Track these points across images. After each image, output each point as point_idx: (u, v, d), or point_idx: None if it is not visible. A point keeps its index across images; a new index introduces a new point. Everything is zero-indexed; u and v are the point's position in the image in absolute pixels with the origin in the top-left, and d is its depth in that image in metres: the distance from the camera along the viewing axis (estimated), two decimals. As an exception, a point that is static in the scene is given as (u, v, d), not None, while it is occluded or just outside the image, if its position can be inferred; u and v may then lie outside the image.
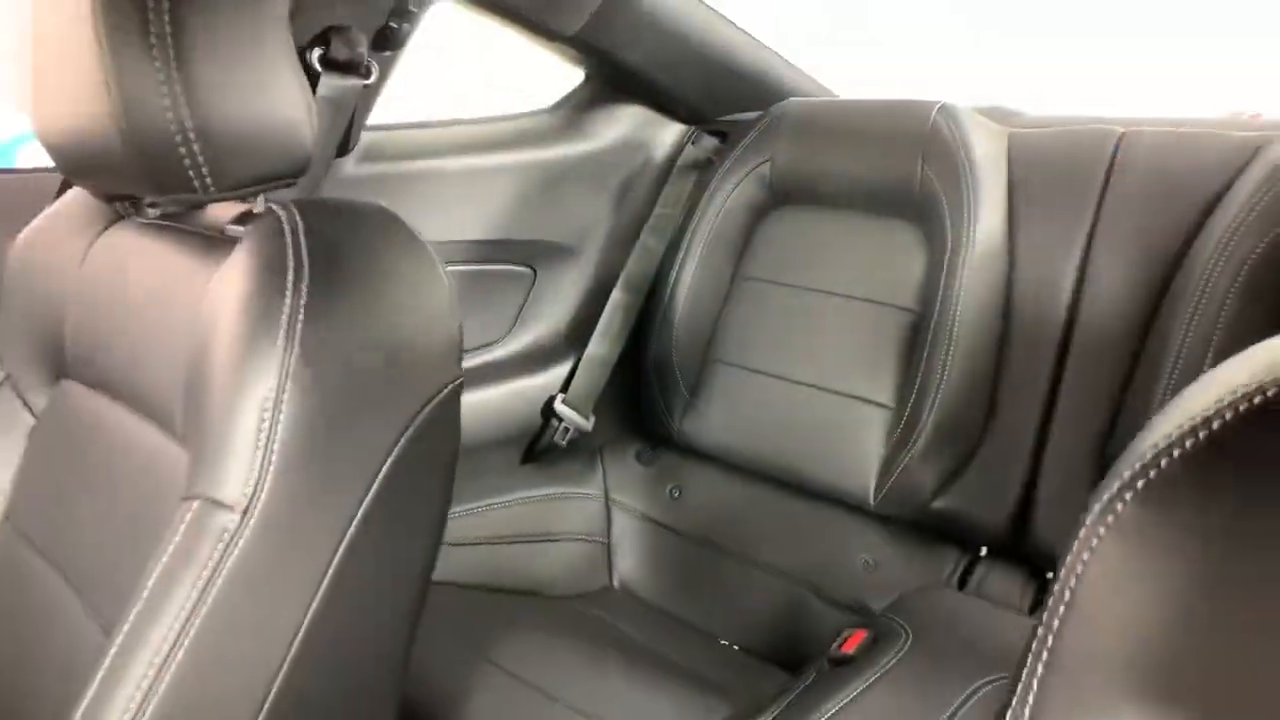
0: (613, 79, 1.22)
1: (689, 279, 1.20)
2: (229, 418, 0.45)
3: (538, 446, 1.27)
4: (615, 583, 1.22)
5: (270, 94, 0.52)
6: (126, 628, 0.46)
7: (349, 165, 1.04)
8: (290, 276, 0.48)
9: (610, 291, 1.27)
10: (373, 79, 0.91)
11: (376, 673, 0.57)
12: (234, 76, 0.50)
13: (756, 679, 0.99)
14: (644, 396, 1.25)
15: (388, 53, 1.00)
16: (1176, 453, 0.23)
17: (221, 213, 0.63)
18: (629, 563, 1.23)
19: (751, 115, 1.22)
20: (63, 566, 0.59)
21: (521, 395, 1.24)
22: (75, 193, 0.72)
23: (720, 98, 1.26)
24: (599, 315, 1.27)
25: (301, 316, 0.47)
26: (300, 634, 0.48)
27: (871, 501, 1.03)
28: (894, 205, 1.07)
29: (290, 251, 0.49)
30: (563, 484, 1.25)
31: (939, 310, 0.99)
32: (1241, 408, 0.22)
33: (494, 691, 0.86)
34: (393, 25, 0.98)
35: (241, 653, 0.47)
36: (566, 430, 1.25)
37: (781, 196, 1.17)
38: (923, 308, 1.03)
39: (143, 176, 0.52)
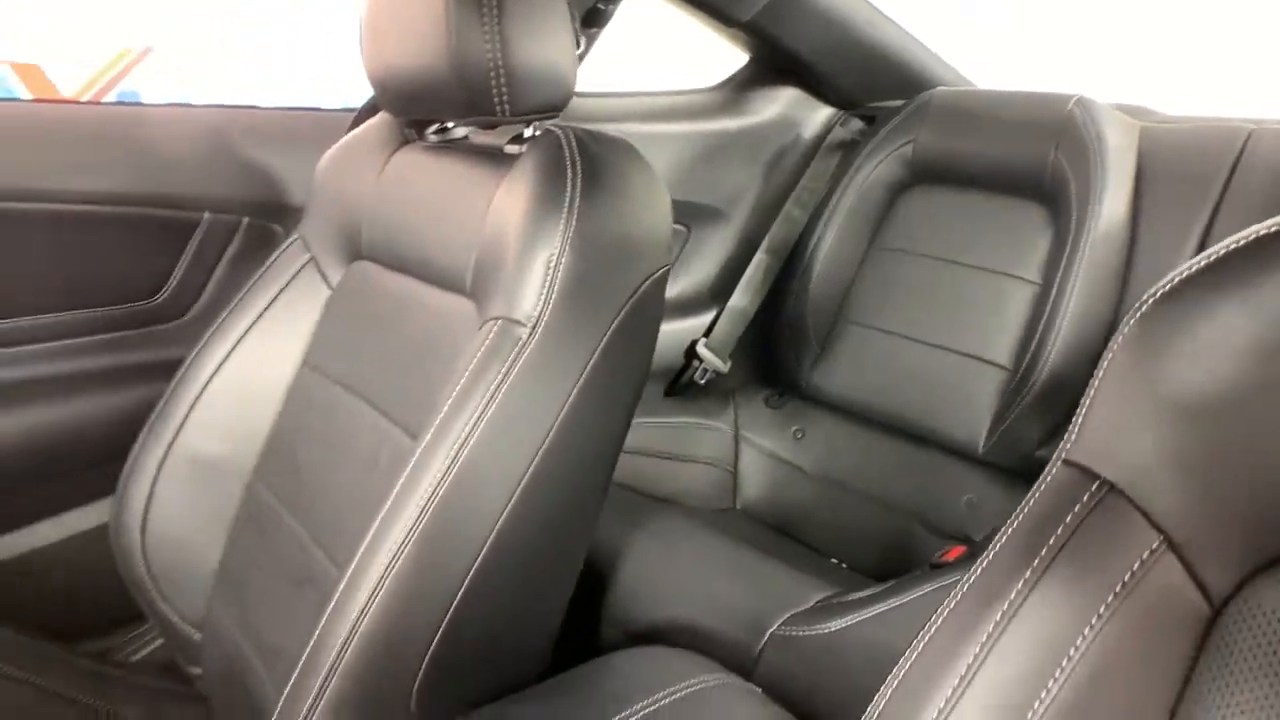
0: (774, 63, 1.38)
1: (827, 246, 1.35)
2: (523, 268, 0.64)
3: (680, 382, 1.45)
4: (739, 505, 1.39)
5: (554, 41, 0.70)
6: (430, 432, 0.64)
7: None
8: (569, 176, 0.66)
9: (754, 252, 1.44)
10: (580, 50, 1.10)
11: (580, 515, 0.74)
12: (531, 26, 0.69)
13: (859, 586, 1.13)
14: (776, 348, 1.41)
15: (594, 29, 1.19)
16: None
17: (490, 138, 0.83)
18: (752, 490, 1.39)
19: (898, 102, 1.35)
20: (360, 390, 0.80)
21: (670, 336, 1.42)
22: (368, 125, 0.94)
23: (870, 85, 1.40)
24: (742, 272, 1.44)
25: (577, 204, 0.65)
26: (541, 449, 0.66)
27: (980, 449, 1.15)
28: (1025, 187, 1.18)
29: (569, 161, 0.67)
30: (698, 416, 1.42)
31: (1059, 283, 1.10)
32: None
33: (639, 560, 1.03)
34: (600, 6, 1.17)
35: (502, 461, 0.65)
36: (706, 371, 1.42)
37: (920, 176, 1.30)
38: (1044, 281, 1.15)
39: (459, 102, 0.71)
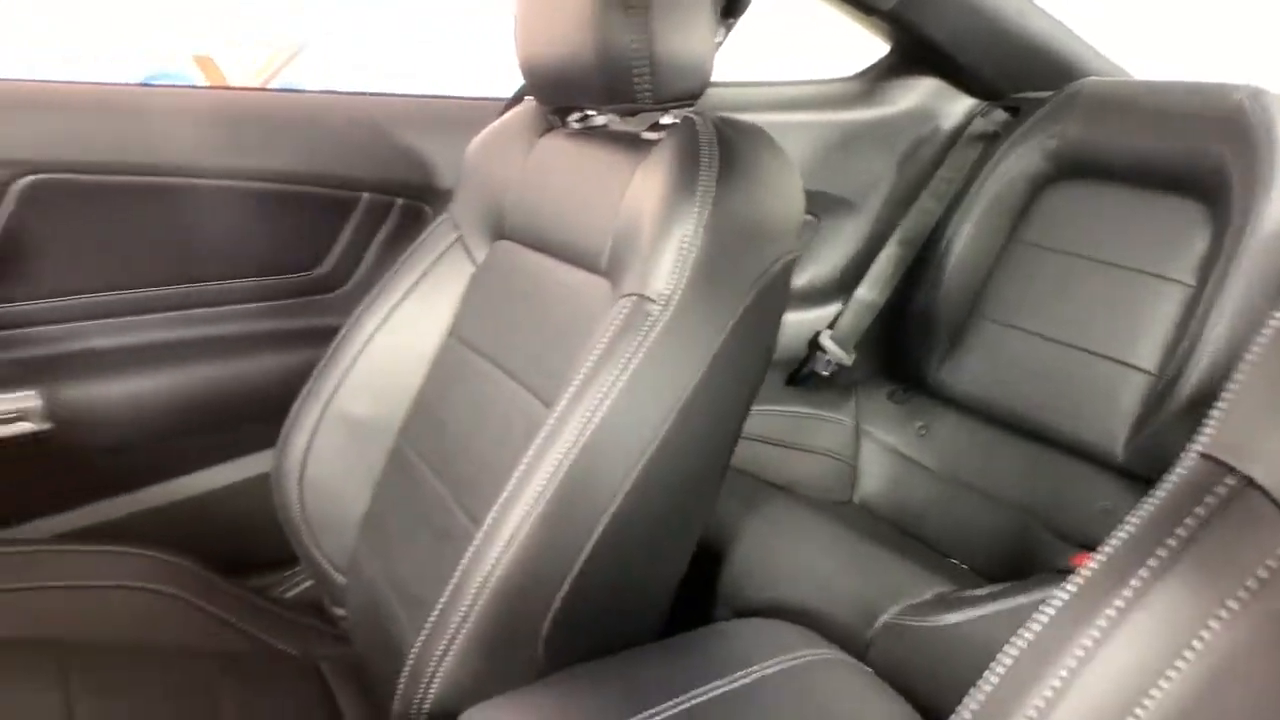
0: (915, 53, 1.36)
1: (963, 240, 1.32)
2: (658, 247, 0.67)
3: (801, 372, 1.45)
4: (856, 498, 1.38)
5: (696, 31, 0.73)
6: (564, 401, 0.68)
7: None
8: (705, 161, 0.69)
9: (883, 244, 1.42)
10: (718, 39, 1.12)
11: (699, 490, 0.77)
12: (675, 17, 0.72)
13: (979, 586, 1.11)
14: (903, 342, 1.39)
15: (731, 20, 1.21)
16: None
17: (629, 126, 0.87)
18: (871, 484, 1.38)
19: (1044, 93, 1.30)
20: (499, 360, 0.86)
21: (793, 326, 1.43)
22: (515, 112, 0.99)
23: (1016, 75, 1.35)
24: (870, 264, 1.42)
25: (712, 187, 0.68)
26: (668, 422, 0.68)
27: (1119, 455, 1.10)
28: (1181, 183, 1.12)
29: (705, 146, 0.70)
30: (819, 407, 1.42)
31: (1216, 285, 1.04)
32: None
33: (753, 541, 1.05)
34: (738, -4, 1.19)
35: (630, 431, 0.68)
36: (829, 362, 1.42)
37: (1065, 169, 1.25)
38: (1198, 282, 1.09)
39: (601, 89, 0.75)
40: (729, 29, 1.23)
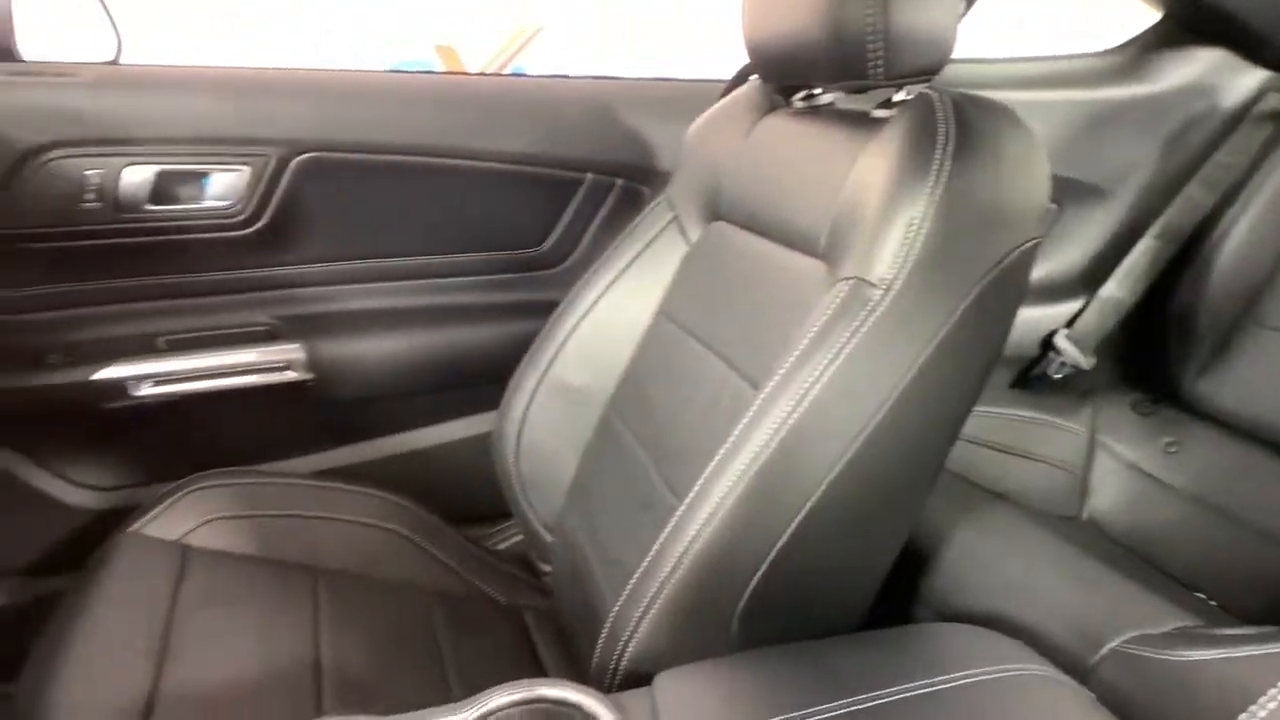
0: (1194, 20, 1.20)
1: (1240, 235, 1.16)
2: (882, 230, 0.64)
3: (1030, 373, 1.34)
4: (1085, 514, 1.26)
5: (935, 3, 0.69)
6: (775, 380, 0.67)
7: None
8: (940, 139, 0.65)
9: (1136, 237, 1.27)
10: (959, 11, 1.05)
11: (909, 485, 0.73)
12: None
13: (1228, 625, 0.98)
14: (1156, 348, 1.24)
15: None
16: None
17: (857, 104, 0.83)
18: (1105, 501, 1.25)
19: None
20: (708, 340, 0.86)
21: (1025, 323, 1.32)
22: (738, 93, 0.99)
23: (1322, 43, 1.16)
24: (1119, 258, 1.28)
25: (947, 166, 0.63)
26: (880, 413, 0.65)
27: None
28: None
29: (941, 124, 0.66)
30: (1047, 413, 1.31)
31: None
32: None
33: (965, 547, 0.99)
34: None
35: (839, 418, 0.66)
36: (1063, 365, 1.30)
37: None
38: None
39: (831, 66, 0.73)
40: (970, 2, 1.16)
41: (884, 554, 0.74)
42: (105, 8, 1.16)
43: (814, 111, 0.87)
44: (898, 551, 0.75)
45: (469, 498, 1.21)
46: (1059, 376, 1.31)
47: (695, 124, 1.02)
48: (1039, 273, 1.33)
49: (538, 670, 0.93)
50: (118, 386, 1.13)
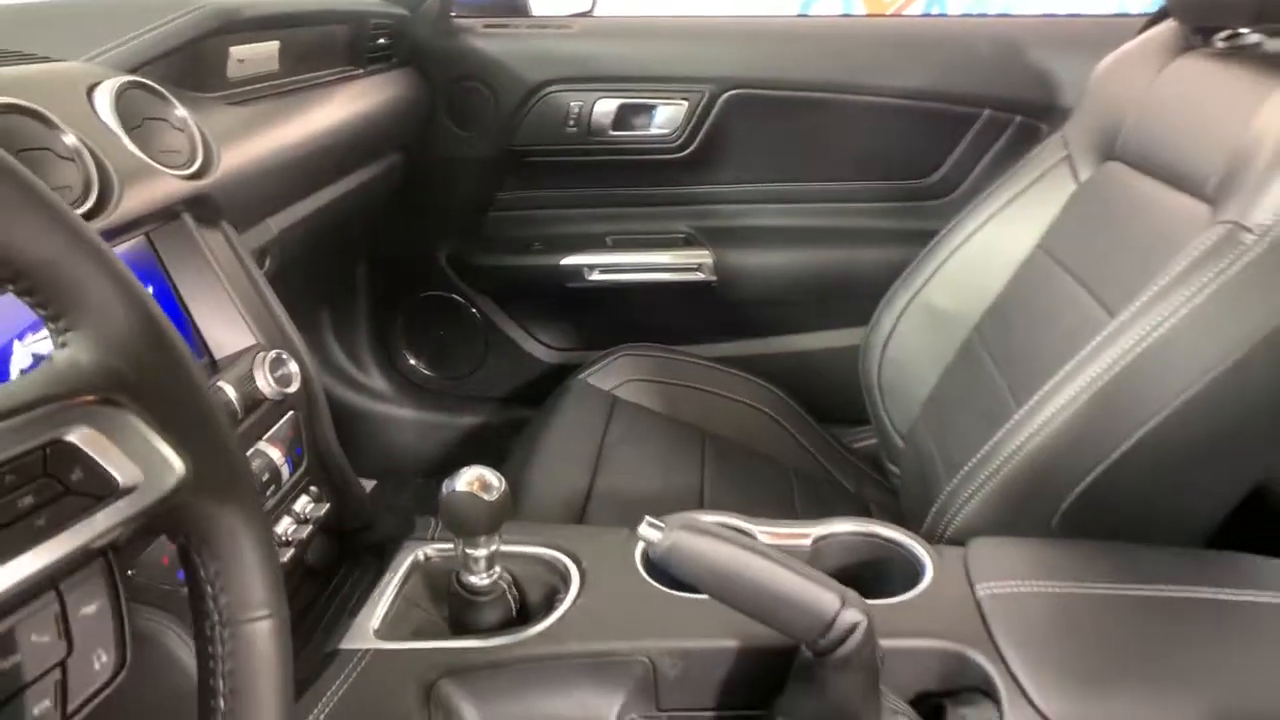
0: None
1: None
2: (1270, 176, 0.65)
3: None
4: None
5: None
6: (1131, 309, 0.72)
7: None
8: None
9: None
10: None
11: (1250, 436, 0.72)
12: None
13: None
14: None
15: None
16: None
17: (1283, 46, 0.80)
18: None
19: None
20: (1078, 273, 0.90)
21: None
22: (1152, 32, 0.97)
23: None
24: None
25: None
26: (1231, 358, 0.66)
27: None
28: None
29: None
30: None
31: None
32: None
33: None
34: None
35: (1185, 354, 0.68)
36: None
37: None
38: None
39: (1254, 4, 0.73)
40: None
41: (1218, 497, 0.76)
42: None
43: (1234, 53, 0.85)
44: (1234, 501, 0.76)
45: (834, 399, 1.37)
46: None
47: (1104, 62, 1.03)
48: None
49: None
50: (576, 271, 1.47)
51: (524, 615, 0.70)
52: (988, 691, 0.59)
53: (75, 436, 0.32)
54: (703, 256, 1.46)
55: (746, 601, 0.52)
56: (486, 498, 0.62)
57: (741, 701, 0.62)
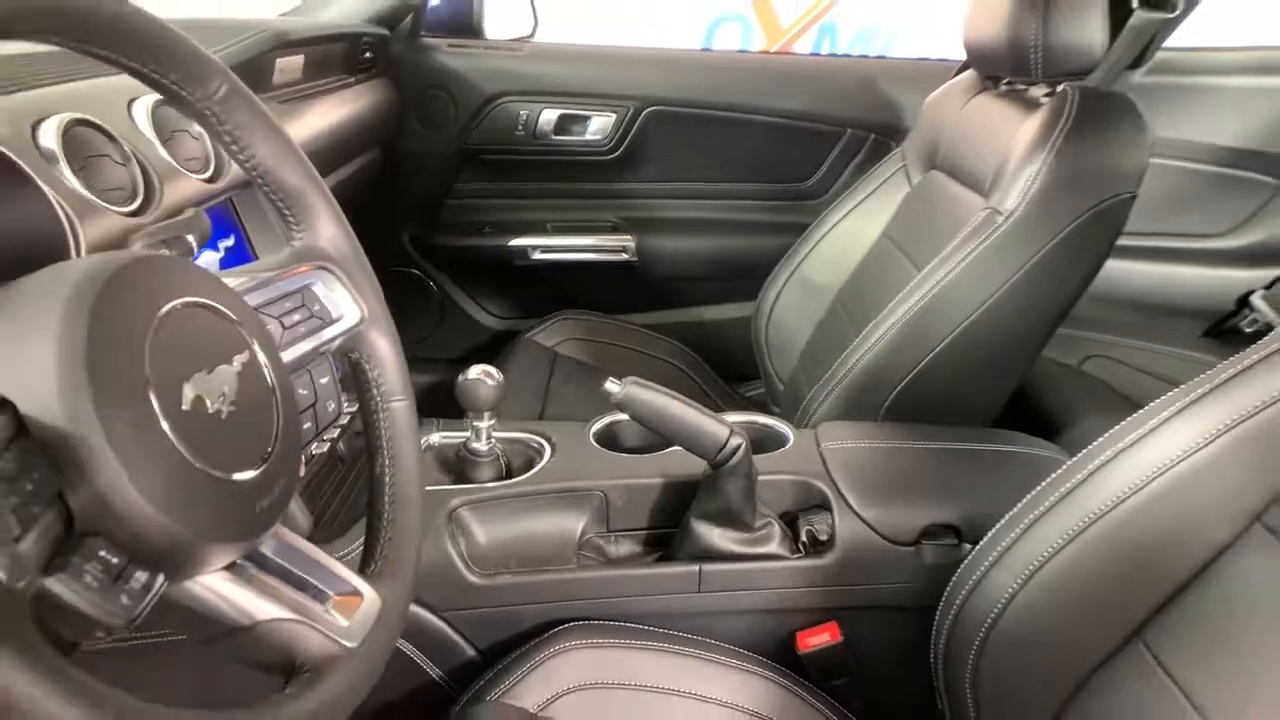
0: None
1: None
2: (1015, 178, 0.99)
3: (1222, 326, 1.54)
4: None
5: (1087, 22, 1.00)
6: (925, 270, 1.05)
7: (1138, 75, 1.45)
8: (1061, 122, 0.98)
9: None
10: (1178, 13, 1.29)
11: (1008, 358, 1.07)
12: (1067, 11, 1.00)
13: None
14: None
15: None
16: None
17: (1034, 92, 1.16)
18: None
19: None
20: (911, 255, 1.24)
21: (1221, 281, 1.52)
22: (961, 76, 1.33)
23: None
24: None
25: (1060, 140, 0.97)
26: (989, 299, 0.99)
27: None
28: None
29: (1065, 111, 0.99)
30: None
31: None
32: None
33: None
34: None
35: (962, 297, 1.01)
36: (1255, 320, 1.49)
37: None
38: None
39: (1009, 64, 1.07)
40: (1191, 3, 1.37)
41: (991, 394, 1.10)
42: (532, 4, 1.75)
43: (1010, 94, 1.20)
44: (1004, 398, 1.11)
45: (732, 358, 1.70)
46: (1250, 331, 1.50)
47: (931, 96, 1.38)
48: (1245, 239, 1.52)
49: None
50: (521, 251, 1.76)
51: (510, 475, 0.98)
52: (825, 506, 0.90)
53: (315, 287, 0.59)
54: (627, 241, 1.76)
55: (671, 430, 0.82)
56: (490, 382, 0.89)
57: (668, 521, 0.91)
